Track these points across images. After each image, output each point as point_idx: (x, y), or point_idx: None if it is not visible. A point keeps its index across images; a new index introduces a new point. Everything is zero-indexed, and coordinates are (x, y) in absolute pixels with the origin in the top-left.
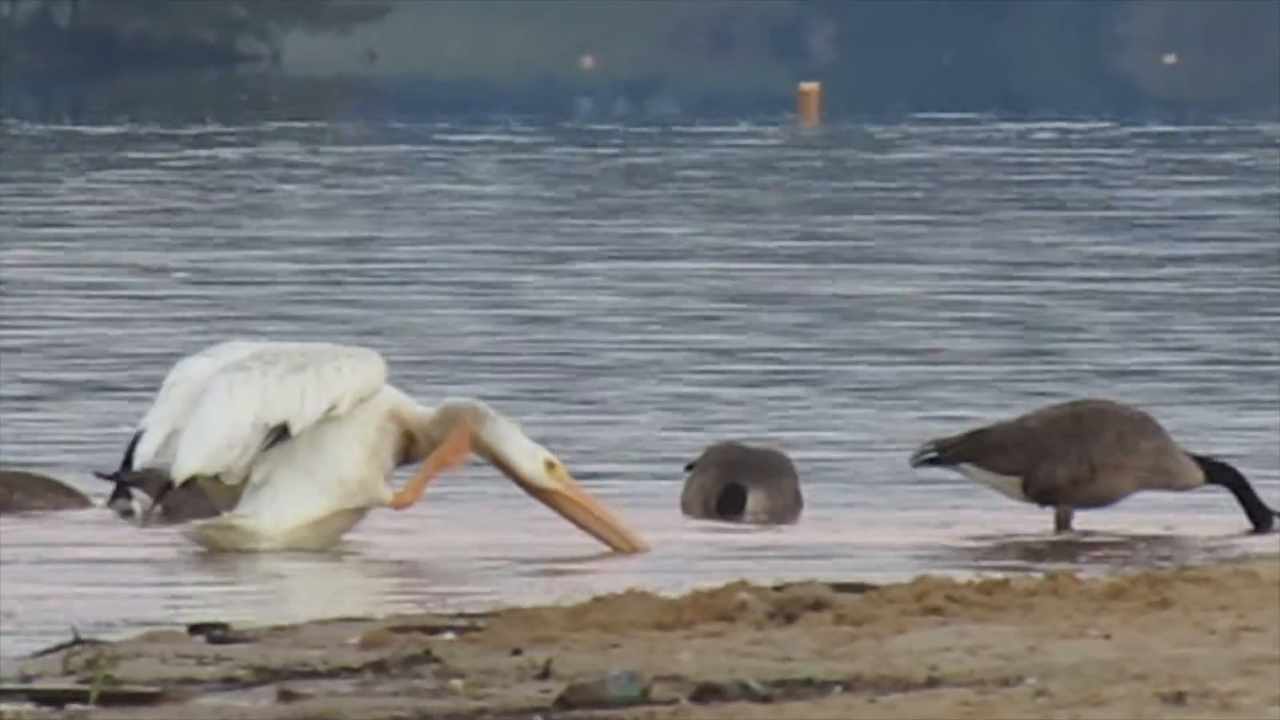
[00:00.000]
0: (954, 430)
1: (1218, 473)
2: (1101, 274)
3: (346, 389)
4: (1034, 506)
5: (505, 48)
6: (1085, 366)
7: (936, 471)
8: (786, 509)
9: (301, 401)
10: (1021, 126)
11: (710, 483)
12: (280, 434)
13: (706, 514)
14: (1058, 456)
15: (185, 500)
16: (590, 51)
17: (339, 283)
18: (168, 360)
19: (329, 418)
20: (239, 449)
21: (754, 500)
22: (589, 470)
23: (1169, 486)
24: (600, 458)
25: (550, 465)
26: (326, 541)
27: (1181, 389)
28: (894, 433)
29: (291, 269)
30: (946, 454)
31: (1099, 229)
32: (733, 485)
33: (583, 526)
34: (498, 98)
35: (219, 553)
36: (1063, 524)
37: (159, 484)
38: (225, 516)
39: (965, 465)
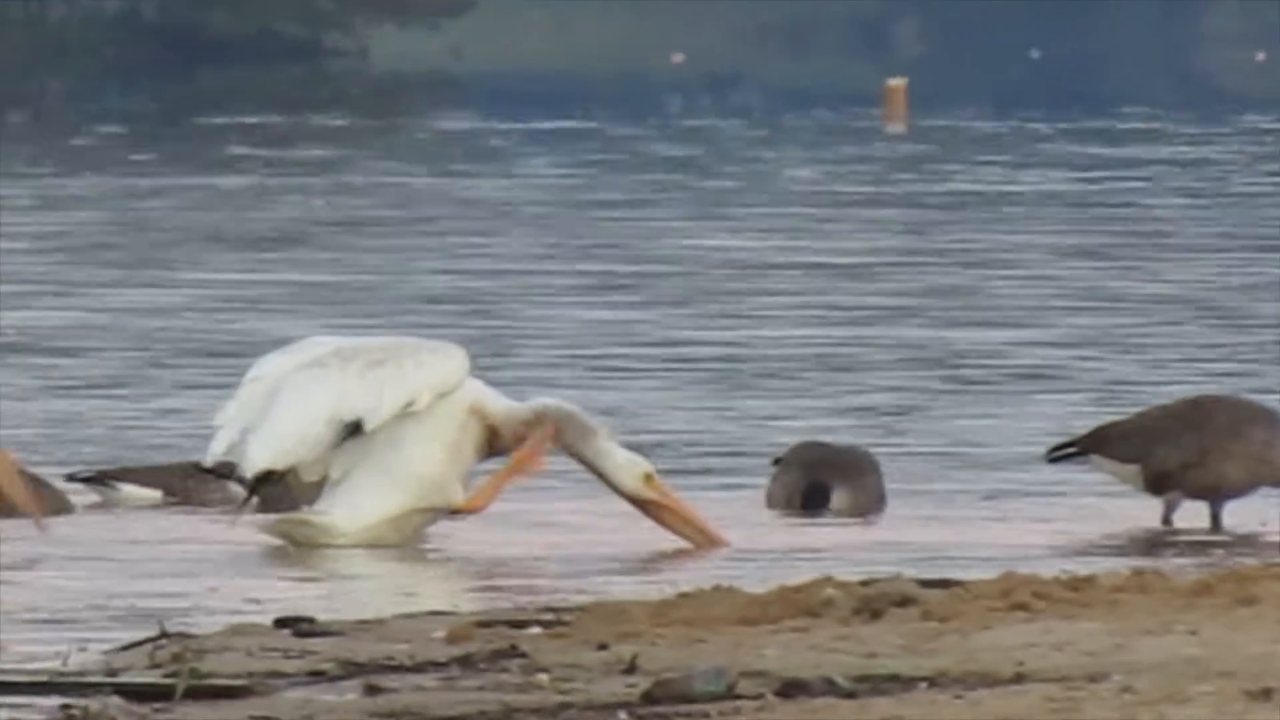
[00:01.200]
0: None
1: None
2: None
3: (425, 384)
4: (1131, 503)
5: (590, 43)
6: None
7: (1027, 469)
8: (870, 506)
9: (379, 397)
10: (1111, 124)
11: (794, 480)
12: (354, 430)
13: (791, 510)
14: (1172, 442)
15: (283, 494)
16: (675, 47)
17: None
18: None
19: (408, 413)
20: (310, 445)
21: (837, 498)
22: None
23: (1277, 482)
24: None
25: (648, 477)
26: (404, 539)
27: None
28: (1009, 428)
29: (414, 263)
30: (1080, 446)
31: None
32: (816, 483)
33: (672, 530)
34: (585, 93)
35: (297, 547)
36: (1169, 515)
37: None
38: (302, 511)
39: (1093, 456)
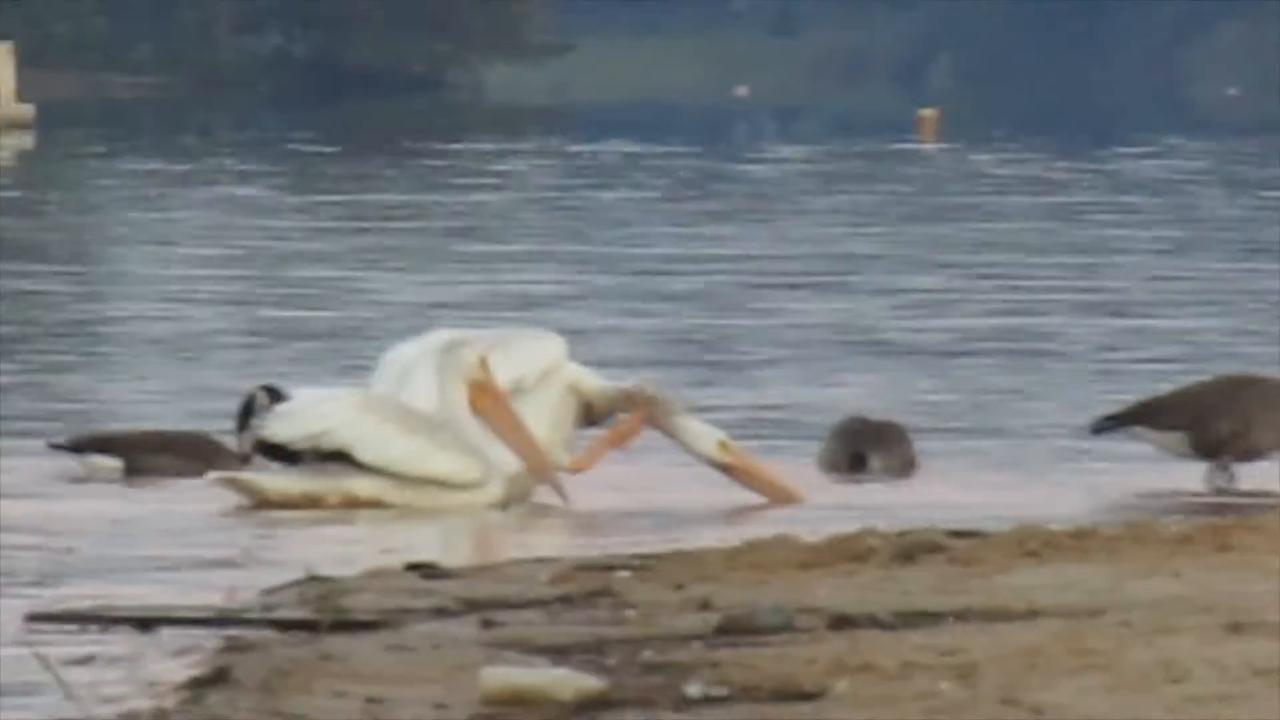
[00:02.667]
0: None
1: None
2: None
3: (531, 367)
4: (1130, 467)
5: (672, 79)
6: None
7: (1039, 438)
8: (903, 469)
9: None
10: (1112, 149)
11: (840, 447)
12: None
13: (836, 473)
14: (1218, 414)
15: None
16: (743, 82)
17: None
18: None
19: (517, 390)
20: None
21: (875, 462)
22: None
23: None
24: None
25: (723, 445)
26: (517, 496)
27: None
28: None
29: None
30: (1120, 419)
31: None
32: (858, 450)
33: (751, 488)
34: (667, 121)
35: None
36: (1213, 478)
37: None
38: None
39: (1136, 428)
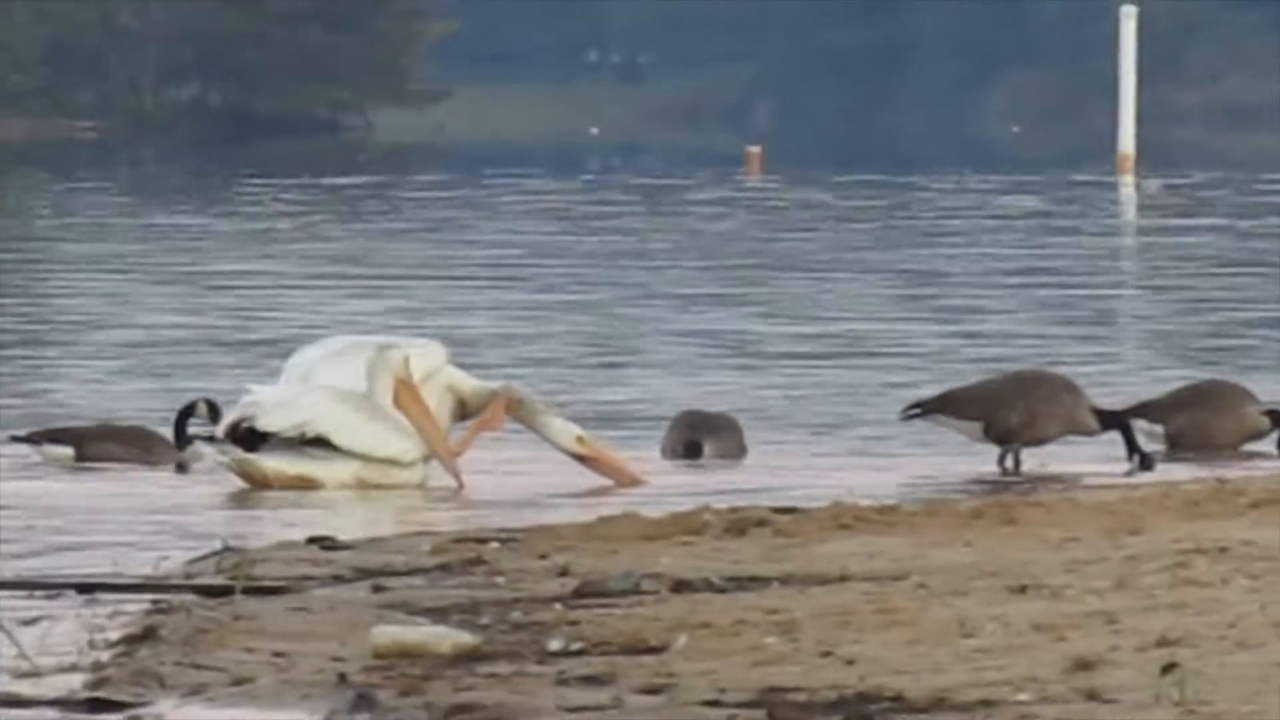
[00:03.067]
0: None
1: (1111, 420)
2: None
3: (415, 369)
4: (928, 452)
5: (535, 121)
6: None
7: (851, 429)
8: (734, 455)
9: None
10: (910, 179)
11: (678, 436)
12: None
13: (675, 459)
14: (1009, 406)
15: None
16: (595, 123)
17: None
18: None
19: None
20: None
21: (709, 449)
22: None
23: (1078, 432)
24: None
25: (579, 439)
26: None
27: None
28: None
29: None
30: (925, 408)
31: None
32: (693, 439)
33: (601, 474)
34: (531, 156)
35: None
36: (1003, 461)
37: None
38: None
39: (938, 415)
